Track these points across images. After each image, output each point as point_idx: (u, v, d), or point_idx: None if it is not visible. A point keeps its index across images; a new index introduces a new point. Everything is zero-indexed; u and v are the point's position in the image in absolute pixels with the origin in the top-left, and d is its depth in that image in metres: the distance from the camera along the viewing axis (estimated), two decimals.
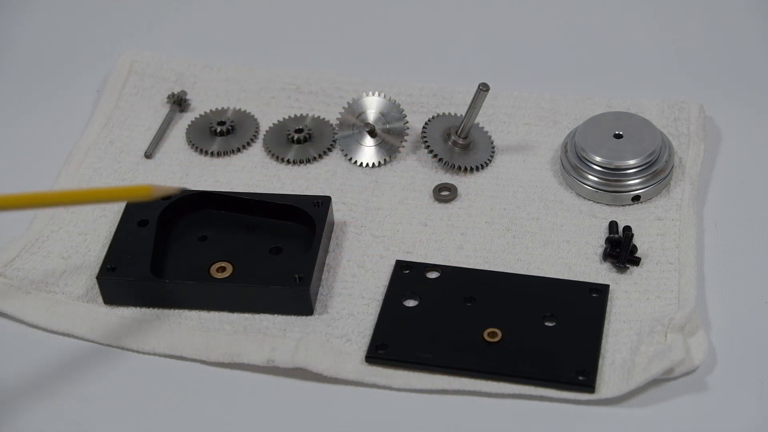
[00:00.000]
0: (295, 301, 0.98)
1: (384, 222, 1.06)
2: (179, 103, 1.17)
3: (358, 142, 1.11)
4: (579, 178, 1.06)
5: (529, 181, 1.08)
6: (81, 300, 1.01)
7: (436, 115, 1.12)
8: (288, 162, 1.11)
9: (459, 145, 1.10)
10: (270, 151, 1.12)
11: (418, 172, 1.10)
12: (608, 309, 0.98)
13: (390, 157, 1.11)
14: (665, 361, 0.92)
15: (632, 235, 1.02)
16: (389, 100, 1.12)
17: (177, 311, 0.99)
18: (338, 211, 1.06)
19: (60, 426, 0.93)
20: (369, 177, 1.10)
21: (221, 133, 1.13)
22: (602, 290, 0.98)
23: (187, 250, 1.02)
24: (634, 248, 1.01)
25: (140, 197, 0.97)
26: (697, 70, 1.19)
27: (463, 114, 1.09)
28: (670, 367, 0.92)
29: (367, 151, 1.11)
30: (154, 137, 1.14)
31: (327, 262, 1.02)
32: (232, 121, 1.14)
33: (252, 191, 1.08)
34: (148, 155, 1.12)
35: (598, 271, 1.01)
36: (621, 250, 1.01)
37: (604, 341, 0.95)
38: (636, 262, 1.00)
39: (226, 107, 1.17)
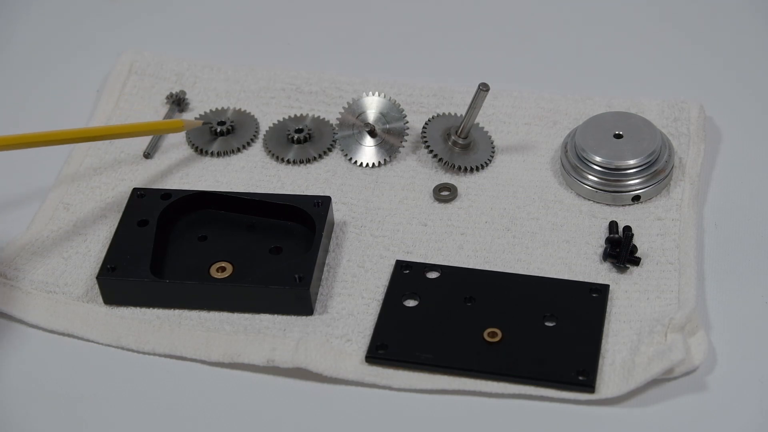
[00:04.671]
0: (295, 301, 0.98)
1: (384, 222, 1.06)
2: (178, 103, 1.17)
3: (358, 142, 1.11)
4: (579, 178, 1.06)
5: (529, 181, 1.08)
6: (81, 300, 1.01)
7: (436, 115, 1.12)
8: (288, 162, 1.11)
9: (459, 145, 1.10)
10: (270, 151, 1.12)
11: (418, 172, 1.10)
12: (608, 309, 0.98)
13: (390, 157, 1.11)
14: (665, 361, 0.92)
15: (632, 235, 1.02)
16: (389, 100, 1.12)
17: (177, 311, 1.00)
18: (338, 211, 1.06)
19: (60, 426, 0.93)
20: (369, 177, 1.10)
21: (221, 133, 1.13)
22: (602, 290, 0.98)
23: (187, 250, 1.02)
24: (634, 248, 1.01)
25: (174, 130, 1.11)
26: (697, 70, 1.19)
27: (463, 114, 1.09)
28: (670, 367, 0.92)
29: (367, 151, 1.11)
30: (153, 137, 1.14)
31: (327, 262, 1.02)
32: (232, 121, 1.14)
33: (252, 191, 1.08)
34: (147, 155, 1.12)
35: (598, 271, 1.01)
36: (621, 250, 1.01)
37: (604, 341, 0.95)
38: (636, 262, 1.00)
39: (226, 107, 1.17)
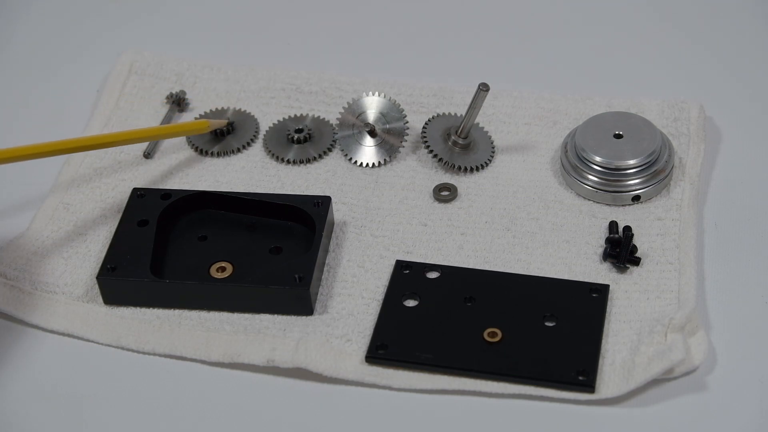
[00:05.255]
0: (295, 301, 0.98)
1: (384, 222, 1.06)
2: (178, 103, 1.17)
3: (358, 142, 1.11)
4: (579, 178, 1.06)
5: (529, 181, 1.08)
6: (81, 300, 1.01)
7: (436, 115, 1.12)
8: (288, 162, 1.11)
9: (459, 145, 1.10)
10: (270, 151, 1.12)
11: (418, 172, 1.10)
12: (608, 309, 0.98)
13: (390, 157, 1.11)
14: (665, 361, 0.92)
15: (632, 235, 1.02)
16: (389, 100, 1.12)
17: (177, 311, 1.00)
18: (338, 211, 1.06)
19: (60, 426, 0.93)
20: (369, 177, 1.10)
21: (222, 133, 1.13)
22: (602, 290, 0.98)
23: (187, 250, 1.02)
24: (634, 248, 1.01)
25: (198, 131, 1.11)
26: (697, 70, 1.19)
27: (463, 114, 1.09)
28: (670, 367, 0.92)
29: (367, 151, 1.11)
30: None
31: (327, 262, 1.02)
32: (232, 121, 1.14)
33: (252, 191, 1.08)
34: (147, 155, 1.12)
35: (598, 271, 1.01)
36: (621, 250, 1.01)
37: (604, 341, 0.95)
38: (636, 262, 1.00)
39: (226, 107, 1.17)
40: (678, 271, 1.00)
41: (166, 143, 1.14)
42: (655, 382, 0.93)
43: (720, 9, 1.25)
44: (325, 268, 1.02)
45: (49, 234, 1.06)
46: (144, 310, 1.00)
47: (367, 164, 1.10)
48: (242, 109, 1.16)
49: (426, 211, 1.06)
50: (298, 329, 0.97)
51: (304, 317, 0.99)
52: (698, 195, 1.06)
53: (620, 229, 1.03)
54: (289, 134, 1.13)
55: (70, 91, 1.21)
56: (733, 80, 1.18)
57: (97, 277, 0.99)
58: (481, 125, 1.12)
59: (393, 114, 1.11)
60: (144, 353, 0.98)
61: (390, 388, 0.94)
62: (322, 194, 1.07)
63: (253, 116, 1.16)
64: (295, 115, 1.15)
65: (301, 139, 1.12)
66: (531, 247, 1.03)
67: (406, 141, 1.12)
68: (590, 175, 1.06)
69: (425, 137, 1.09)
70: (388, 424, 0.93)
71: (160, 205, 1.04)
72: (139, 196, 1.05)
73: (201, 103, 1.18)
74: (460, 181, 1.08)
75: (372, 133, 1.11)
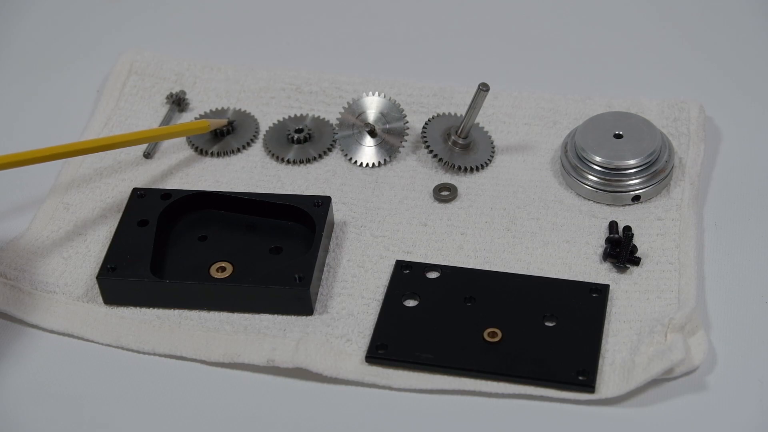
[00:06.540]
0: (295, 301, 0.98)
1: (384, 222, 1.06)
2: (178, 102, 1.17)
3: (358, 142, 1.11)
4: (579, 178, 1.06)
5: (529, 181, 1.08)
6: (81, 300, 1.01)
7: (436, 115, 1.12)
8: (288, 162, 1.11)
9: (459, 145, 1.10)
10: (270, 151, 1.12)
11: (418, 172, 1.10)
12: (608, 309, 0.98)
13: (390, 157, 1.11)
14: (665, 361, 0.92)
15: (632, 235, 1.02)
16: (389, 100, 1.12)
17: (177, 311, 1.00)
18: (338, 211, 1.06)
19: (60, 426, 0.93)
20: (369, 177, 1.10)
21: (222, 133, 1.13)
22: (602, 290, 0.98)
23: (187, 250, 1.02)
24: (634, 248, 1.01)
25: (198, 130, 1.11)
26: (697, 70, 1.19)
27: (463, 114, 1.09)
28: (670, 367, 0.92)
29: (367, 151, 1.11)
30: None
31: (327, 262, 1.02)
32: (232, 121, 1.14)
33: (252, 191, 1.08)
34: (147, 155, 1.12)
35: (598, 271, 1.01)
36: (621, 250, 1.01)
37: (604, 341, 0.95)
38: (636, 262, 1.00)
39: (226, 107, 1.17)
40: (678, 271, 1.00)
41: (166, 143, 1.14)
42: (655, 382, 0.93)
43: (720, 9, 1.25)
44: (325, 268, 1.02)
45: (49, 234, 1.06)
46: (144, 310, 1.00)
47: (367, 164, 1.10)
48: (242, 109, 1.16)
49: (426, 211, 1.06)
50: (298, 329, 0.97)
51: (304, 317, 0.99)
52: (698, 195, 1.06)
53: (620, 229, 1.03)
54: (289, 134, 1.13)
55: (70, 92, 1.21)
56: (733, 80, 1.18)
57: (97, 277, 0.99)
58: (481, 125, 1.12)
59: (393, 114, 1.11)
60: (144, 353, 0.98)
61: (390, 388, 0.94)
62: (322, 194, 1.07)
63: (253, 116, 1.16)
64: (295, 115, 1.15)
65: (301, 139, 1.12)
66: (531, 247, 1.03)
67: (406, 141, 1.12)
68: (590, 175, 1.06)
69: (425, 137, 1.09)
70: (388, 424, 0.93)
71: (160, 205, 1.04)
72: (139, 196, 1.05)
73: (201, 103, 1.18)
74: (460, 181, 1.08)
75: (372, 133, 1.11)
